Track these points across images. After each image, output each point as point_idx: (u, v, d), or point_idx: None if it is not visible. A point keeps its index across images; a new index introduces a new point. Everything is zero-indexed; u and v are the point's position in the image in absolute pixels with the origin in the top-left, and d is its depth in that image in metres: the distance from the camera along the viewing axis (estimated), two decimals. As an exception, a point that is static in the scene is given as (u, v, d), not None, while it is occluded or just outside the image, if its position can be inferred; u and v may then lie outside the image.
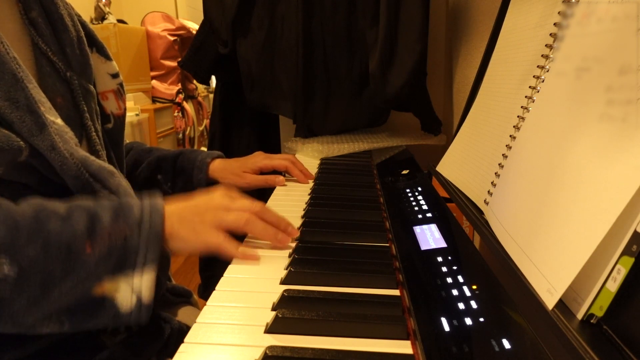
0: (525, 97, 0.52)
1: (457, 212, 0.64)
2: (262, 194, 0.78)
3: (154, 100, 2.55)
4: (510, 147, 0.53)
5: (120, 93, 0.63)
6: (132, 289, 0.42)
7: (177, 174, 0.78)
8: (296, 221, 0.60)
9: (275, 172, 0.83)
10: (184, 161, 0.78)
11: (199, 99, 2.93)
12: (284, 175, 0.83)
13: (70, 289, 0.40)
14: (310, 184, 0.80)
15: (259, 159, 0.81)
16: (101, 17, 2.43)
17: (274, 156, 0.83)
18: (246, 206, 0.52)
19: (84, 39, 0.56)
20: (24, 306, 0.38)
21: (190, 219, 0.49)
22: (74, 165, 0.46)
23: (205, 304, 0.41)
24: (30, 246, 0.39)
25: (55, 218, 0.41)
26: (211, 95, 3.07)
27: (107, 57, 0.61)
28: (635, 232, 0.30)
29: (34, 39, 0.49)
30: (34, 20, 0.50)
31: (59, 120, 0.47)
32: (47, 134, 0.44)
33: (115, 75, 0.62)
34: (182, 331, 0.55)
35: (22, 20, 0.49)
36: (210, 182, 0.79)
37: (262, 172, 0.82)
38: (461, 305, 0.38)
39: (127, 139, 0.70)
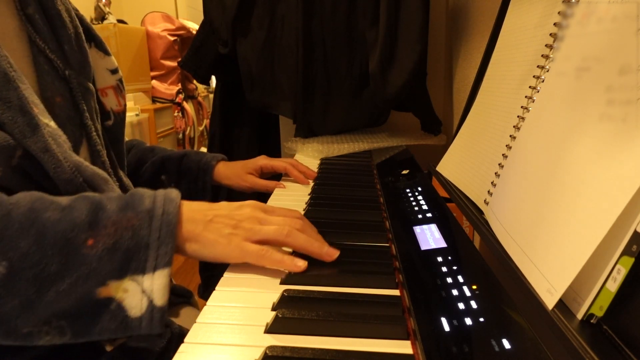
0: (525, 97, 0.52)
1: (457, 212, 0.64)
2: (262, 193, 0.78)
3: (154, 100, 2.55)
4: (510, 147, 0.53)
5: (119, 89, 0.62)
6: (143, 290, 0.37)
7: (182, 175, 0.78)
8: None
9: (275, 176, 0.83)
10: (189, 162, 0.78)
11: (199, 99, 2.93)
12: (283, 175, 0.84)
13: (69, 288, 0.35)
14: (311, 184, 0.80)
15: (259, 158, 0.83)
16: (101, 17, 2.43)
17: (274, 159, 0.84)
18: (286, 220, 0.48)
19: (82, 35, 0.54)
20: (16, 308, 0.34)
21: (221, 222, 0.45)
22: (68, 168, 0.44)
23: (205, 304, 0.41)
24: (22, 237, 0.35)
25: (54, 207, 0.37)
26: (211, 95, 3.06)
27: (106, 52, 0.60)
28: (635, 232, 0.30)
29: (31, 36, 0.48)
30: (31, 16, 0.48)
31: (52, 123, 0.45)
32: (41, 136, 0.42)
33: (114, 71, 0.61)
34: (182, 335, 0.54)
35: (19, 16, 0.48)
36: (215, 185, 0.79)
37: (262, 173, 0.82)
38: (461, 305, 0.38)
39: (127, 139, 0.70)
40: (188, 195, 0.46)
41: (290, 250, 0.48)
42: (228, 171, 0.79)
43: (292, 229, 0.47)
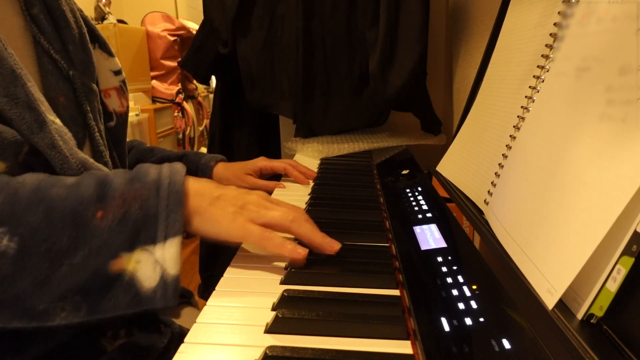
0: (525, 97, 0.52)
1: (457, 212, 0.64)
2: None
3: (154, 100, 2.55)
4: (510, 147, 0.53)
5: (122, 90, 0.62)
6: (155, 260, 0.37)
7: None
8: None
9: (274, 177, 0.83)
10: (188, 163, 0.78)
11: (199, 99, 2.93)
12: (283, 176, 0.84)
13: (82, 262, 0.36)
14: (311, 184, 0.80)
15: (259, 159, 0.83)
16: (101, 17, 2.43)
17: (274, 160, 0.84)
18: (290, 209, 0.48)
19: (87, 35, 0.55)
20: (30, 285, 0.35)
21: (227, 201, 0.45)
22: (75, 164, 0.45)
23: (205, 304, 0.41)
24: (31, 213, 0.35)
25: (60, 185, 0.38)
26: (211, 95, 3.07)
27: (110, 54, 0.60)
28: (635, 232, 0.30)
29: (35, 36, 0.48)
30: (36, 17, 0.48)
31: (58, 120, 0.46)
32: (48, 132, 0.43)
33: (117, 72, 0.61)
34: (182, 334, 0.54)
35: (24, 16, 0.48)
36: None
37: (262, 174, 0.82)
38: (461, 305, 0.38)
39: (127, 138, 0.70)
40: None
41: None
42: (227, 172, 0.79)
43: (297, 217, 0.47)
